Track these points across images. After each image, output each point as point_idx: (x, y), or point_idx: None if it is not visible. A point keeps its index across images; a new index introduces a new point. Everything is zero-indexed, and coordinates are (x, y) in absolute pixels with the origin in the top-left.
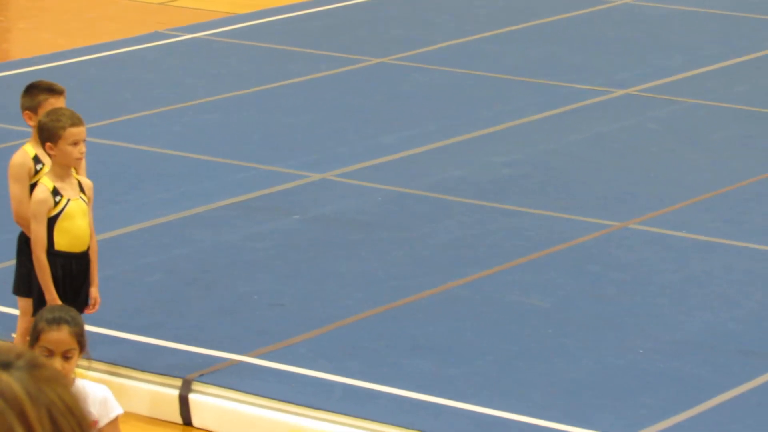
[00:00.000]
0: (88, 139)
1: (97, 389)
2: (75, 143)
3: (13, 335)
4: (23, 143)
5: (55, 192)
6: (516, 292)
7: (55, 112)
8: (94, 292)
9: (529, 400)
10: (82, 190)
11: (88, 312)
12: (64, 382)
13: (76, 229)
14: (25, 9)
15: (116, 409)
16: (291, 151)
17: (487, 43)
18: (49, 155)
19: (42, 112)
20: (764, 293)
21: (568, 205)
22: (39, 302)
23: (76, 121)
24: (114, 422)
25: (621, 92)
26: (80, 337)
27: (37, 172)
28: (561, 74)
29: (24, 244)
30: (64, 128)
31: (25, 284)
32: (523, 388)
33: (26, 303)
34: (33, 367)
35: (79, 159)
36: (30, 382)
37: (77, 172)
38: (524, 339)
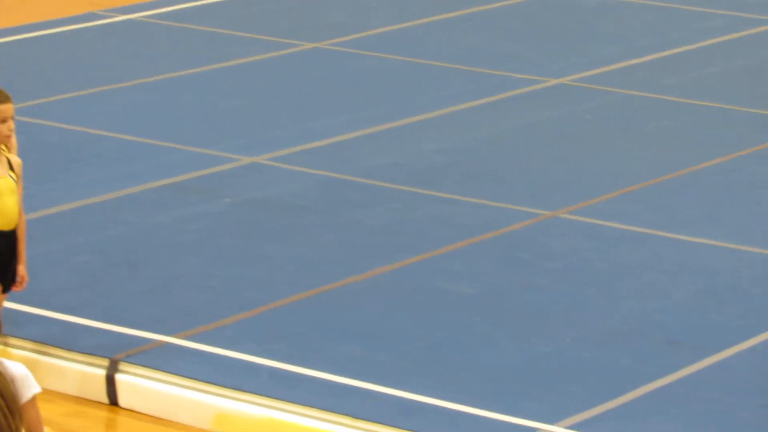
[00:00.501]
0: (21, 118)
1: (15, 367)
2: (3, 120)
3: None
4: None
5: None
6: (445, 279)
7: None
8: (21, 270)
9: (456, 386)
10: (11, 167)
11: (15, 290)
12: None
13: (3, 207)
14: None
15: (34, 387)
16: (223, 134)
17: (423, 30)
18: None
19: None
20: (693, 284)
21: (499, 193)
22: None
23: (3, 99)
24: (32, 401)
25: (554, 81)
26: None
27: None
28: (495, 63)
29: None
30: None
31: None
32: (451, 374)
33: None
34: None
35: (8, 136)
36: None
37: (9, 151)
38: (452, 326)
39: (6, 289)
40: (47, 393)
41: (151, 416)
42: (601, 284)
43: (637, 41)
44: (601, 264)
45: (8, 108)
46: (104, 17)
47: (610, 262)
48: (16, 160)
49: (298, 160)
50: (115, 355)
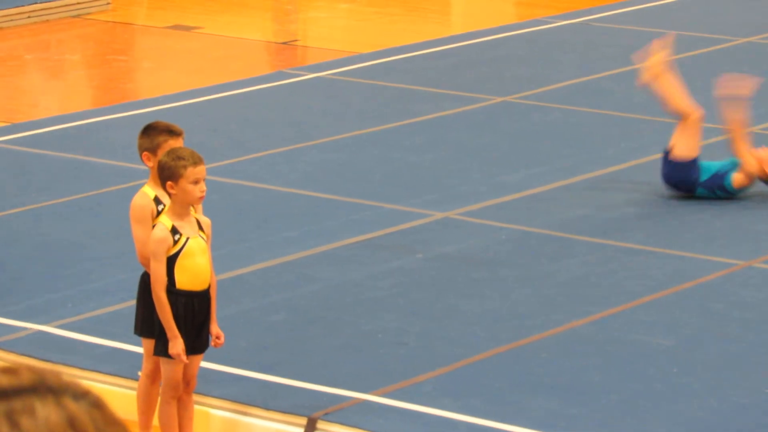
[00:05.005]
0: (213, 177)
1: None
2: (196, 182)
3: (139, 373)
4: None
5: (174, 231)
6: (640, 330)
7: (175, 151)
8: (215, 328)
9: None
10: (200, 228)
11: (216, 346)
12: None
13: (196, 267)
14: (149, 49)
15: None
16: (414, 189)
17: (609, 82)
18: (169, 194)
19: (161, 153)
20: None
21: (692, 244)
22: (160, 340)
23: (197, 160)
24: None
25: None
26: None
27: (159, 212)
28: None
29: (147, 284)
30: (185, 167)
31: (149, 325)
32: (647, 427)
33: (150, 344)
34: (98, 406)
35: (201, 197)
36: (97, 419)
37: (195, 211)
38: (648, 378)
39: (201, 350)
40: None
41: None
42: None
43: None
44: None
45: (201, 170)
46: (293, 76)
47: None
48: (205, 221)
49: (489, 214)
50: (313, 413)
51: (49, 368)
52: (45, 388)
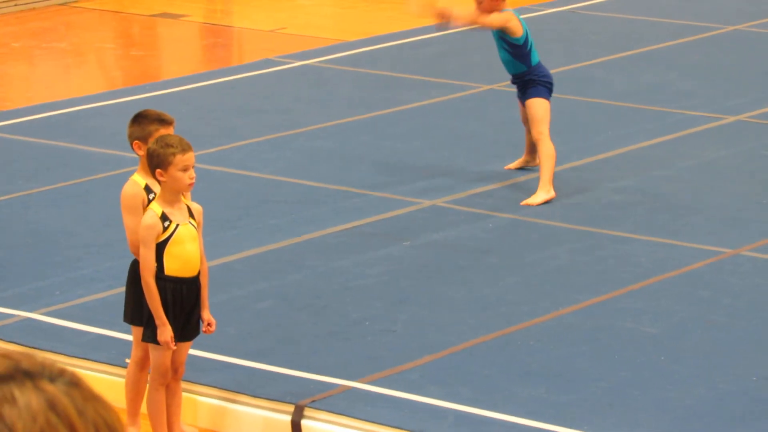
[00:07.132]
0: (202, 165)
1: None
2: (185, 169)
3: (127, 360)
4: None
5: (164, 217)
6: (628, 318)
7: (164, 138)
8: (207, 314)
9: (641, 426)
10: (191, 215)
11: (207, 332)
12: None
13: (185, 254)
14: (136, 37)
15: None
16: (402, 177)
17: (598, 70)
18: (159, 182)
19: (152, 141)
20: None
21: (679, 231)
22: (148, 327)
23: (186, 147)
24: None
25: (732, 119)
26: None
27: (149, 201)
28: (672, 100)
29: (137, 272)
30: (174, 155)
31: (139, 313)
32: (635, 415)
33: (140, 331)
34: (75, 384)
35: (190, 184)
36: (76, 398)
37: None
38: (636, 366)
39: (190, 337)
40: None
41: None
42: None
43: None
44: None
45: (190, 157)
46: (281, 63)
47: None
48: (196, 207)
49: (476, 202)
50: (301, 400)
51: (21, 352)
52: (21, 373)
